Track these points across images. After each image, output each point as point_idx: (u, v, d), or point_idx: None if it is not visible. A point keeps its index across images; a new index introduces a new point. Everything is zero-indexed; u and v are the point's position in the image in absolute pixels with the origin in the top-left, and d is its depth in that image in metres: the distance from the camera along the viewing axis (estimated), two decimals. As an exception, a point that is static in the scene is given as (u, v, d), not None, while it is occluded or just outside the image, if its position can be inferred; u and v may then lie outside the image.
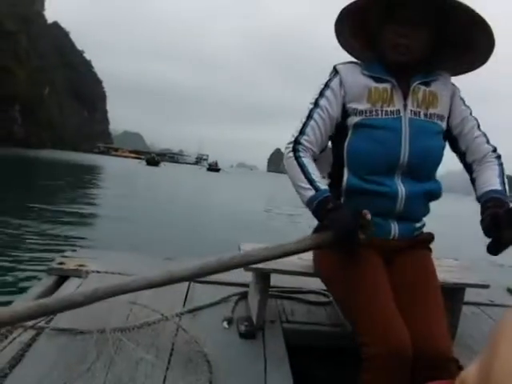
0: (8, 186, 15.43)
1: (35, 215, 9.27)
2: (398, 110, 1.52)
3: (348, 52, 1.70)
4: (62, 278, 2.24)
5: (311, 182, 1.46)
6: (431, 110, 1.55)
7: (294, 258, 1.89)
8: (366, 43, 1.64)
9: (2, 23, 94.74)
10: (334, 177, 1.64)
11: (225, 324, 1.86)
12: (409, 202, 1.52)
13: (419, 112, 1.54)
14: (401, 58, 1.49)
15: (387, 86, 1.54)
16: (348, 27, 1.60)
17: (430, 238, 1.68)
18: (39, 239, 6.89)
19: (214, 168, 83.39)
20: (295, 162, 1.51)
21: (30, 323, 1.71)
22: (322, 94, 1.57)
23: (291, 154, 1.53)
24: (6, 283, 4.56)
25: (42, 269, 2.53)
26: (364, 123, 1.52)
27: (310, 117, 1.56)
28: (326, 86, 1.58)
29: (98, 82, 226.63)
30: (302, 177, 1.48)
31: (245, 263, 1.62)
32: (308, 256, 1.92)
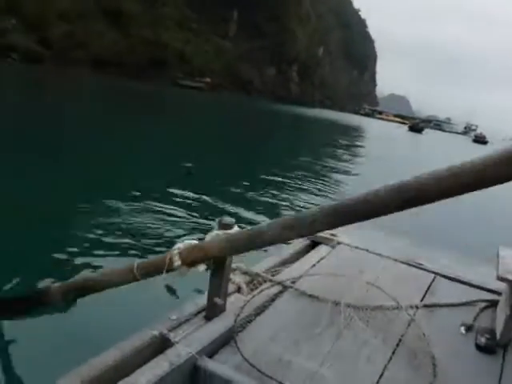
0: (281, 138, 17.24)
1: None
2: None
3: None
4: (315, 243, 2.48)
5: None
6: None
7: None
8: None
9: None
10: None
11: (462, 330, 1.72)
12: None
13: None
14: None
15: None
16: None
17: None
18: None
19: (480, 140, 74.81)
20: None
21: (278, 280, 1.94)
22: None
23: None
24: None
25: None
26: None
27: None
28: None
29: (371, 41, 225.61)
30: None
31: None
32: None
